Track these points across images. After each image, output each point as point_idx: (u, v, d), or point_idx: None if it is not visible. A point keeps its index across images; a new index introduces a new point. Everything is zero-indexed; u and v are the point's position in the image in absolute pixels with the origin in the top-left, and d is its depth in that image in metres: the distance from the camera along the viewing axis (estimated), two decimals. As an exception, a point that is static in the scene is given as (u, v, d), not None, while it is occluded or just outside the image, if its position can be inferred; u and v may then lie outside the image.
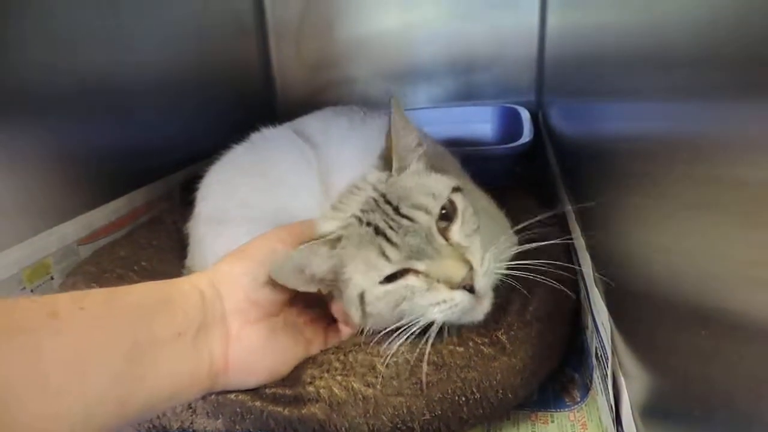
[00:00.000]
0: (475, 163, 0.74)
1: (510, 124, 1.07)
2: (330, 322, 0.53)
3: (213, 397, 0.45)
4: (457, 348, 0.47)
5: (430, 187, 0.49)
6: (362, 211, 0.47)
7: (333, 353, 0.49)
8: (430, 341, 0.45)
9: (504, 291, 0.51)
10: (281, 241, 0.48)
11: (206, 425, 0.45)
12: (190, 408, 0.45)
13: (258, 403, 0.44)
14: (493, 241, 0.49)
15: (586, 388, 0.53)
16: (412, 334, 0.45)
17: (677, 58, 0.30)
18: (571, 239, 0.61)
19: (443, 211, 0.46)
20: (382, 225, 0.45)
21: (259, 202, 0.68)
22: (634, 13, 0.40)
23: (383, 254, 0.44)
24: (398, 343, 0.45)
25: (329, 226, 0.49)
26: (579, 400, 0.53)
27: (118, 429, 0.35)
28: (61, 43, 0.71)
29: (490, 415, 0.47)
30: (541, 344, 0.50)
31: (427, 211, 0.46)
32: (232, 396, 0.45)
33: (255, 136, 0.76)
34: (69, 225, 0.70)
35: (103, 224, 0.75)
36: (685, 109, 0.29)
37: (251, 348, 0.44)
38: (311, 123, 0.77)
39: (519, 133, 0.96)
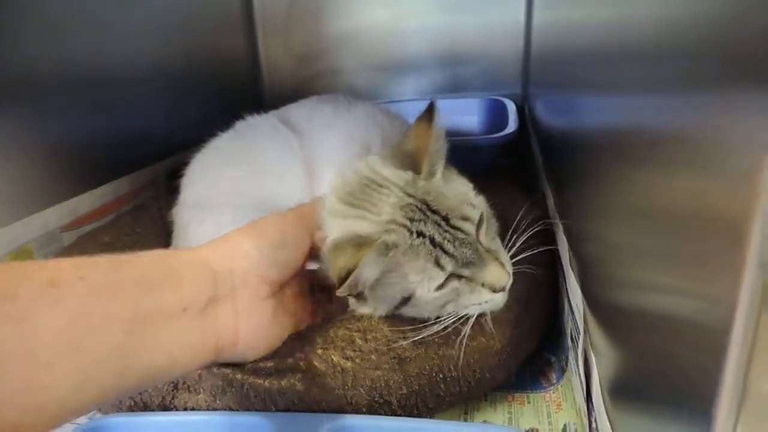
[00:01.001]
0: (460, 153, 0.74)
1: (496, 116, 1.07)
2: (313, 299, 0.54)
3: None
4: (436, 326, 0.48)
5: (466, 195, 0.50)
6: (409, 219, 0.47)
7: (314, 329, 0.50)
8: (468, 330, 0.47)
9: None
10: (292, 224, 0.49)
11: (187, 400, 0.46)
12: (172, 383, 0.46)
13: (239, 376, 0.45)
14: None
15: (562, 371, 0.54)
16: (446, 327, 0.48)
17: (656, 53, 0.31)
18: (551, 225, 0.62)
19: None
20: (438, 238, 0.46)
21: (244, 189, 0.69)
22: (614, 9, 0.41)
23: (438, 264, 0.46)
24: (431, 332, 0.47)
25: (360, 226, 0.48)
26: (555, 382, 0.54)
27: (114, 400, 0.34)
28: (47, 32, 0.70)
29: (467, 393, 0.48)
30: (519, 327, 0.51)
31: (472, 222, 0.48)
32: (215, 369, 0.45)
33: (240, 124, 0.76)
34: (52, 211, 0.70)
35: (86, 211, 0.75)
36: (662, 102, 0.30)
37: (259, 324, 0.44)
38: (296, 111, 0.77)
39: (505, 125, 0.97)
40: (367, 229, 0.47)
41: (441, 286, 0.46)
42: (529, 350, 0.54)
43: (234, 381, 0.45)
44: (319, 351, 0.47)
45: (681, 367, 0.23)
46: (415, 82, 1.24)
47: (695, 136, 0.24)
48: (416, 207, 0.47)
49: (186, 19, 1.04)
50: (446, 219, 0.47)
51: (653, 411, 0.27)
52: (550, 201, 0.67)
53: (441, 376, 0.46)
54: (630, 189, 0.34)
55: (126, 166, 0.85)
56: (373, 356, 0.46)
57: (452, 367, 0.47)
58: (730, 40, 0.21)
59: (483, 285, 0.47)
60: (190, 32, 1.06)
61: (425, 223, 0.46)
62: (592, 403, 0.41)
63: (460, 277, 0.47)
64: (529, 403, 0.52)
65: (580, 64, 0.55)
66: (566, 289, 0.52)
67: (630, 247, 0.33)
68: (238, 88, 1.25)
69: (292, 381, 0.45)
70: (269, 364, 0.46)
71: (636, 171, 0.33)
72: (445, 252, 0.46)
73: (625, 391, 0.34)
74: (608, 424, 0.35)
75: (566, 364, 0.54)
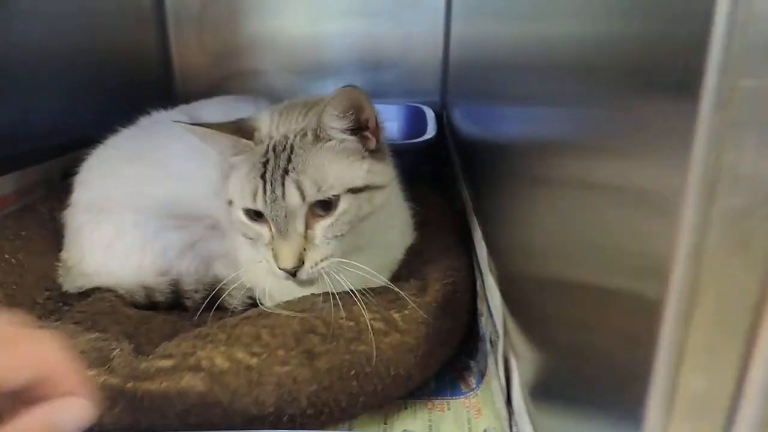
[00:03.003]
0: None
1: (416, 122, 1.08)
2: None
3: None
4: (348, 322, 0.47)
5: (327, 174, 0.47)
6: (272, 147, 0.47)
7: (218, 326, 0.47)
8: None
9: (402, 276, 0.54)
10: None
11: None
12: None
13: (130, 384, 0.41)
14: (371, 243, 0.51)
15: (481, 375, 0.54)
16: None
17: (558, 69, 0.32)
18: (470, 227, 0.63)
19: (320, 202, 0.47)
20: (268, 175, 0.46)
21: (148, 190, 0.63)
22: (525, 26, 0.43)
23: (254, 194, 0.47)
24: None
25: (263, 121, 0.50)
26: (474, 386, 0.53)
27: None
28: None
29: (383, 393, 0.46)
30: (437, 327, 0.50)
31: (302, 195, 0.46)
32: (100, 380, 0.41)
33: (144, 120, 0.71)
34: None
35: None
36: (565, 112, 0.31)
37: None
38: (209, 108, 0.73)
39: (424, 132, 0.98)
40: (260, 125, 0.52)
41: (251, 218, 0.50)
42: (448, 351, 0.54)
43: (125, 391, 0.41)
44: (222, 348, 0.44)
45: (609, 367, 0.23)
46: (335, 85, 1.21)
47: (603, 142, 0.24)
48: (281, 144, 0.49)
49: (90, 10, 0.96)
50: (285, 171, 0.48)
51: (580, 412, 0.27)
52: (468, 205, 0.67)
53: (353, 372, 0.44)
54: (546, 192, 0.34)
55: (10, 163, 0.76)
56: (280, 351, 0.44)
57: (365, 364, 0.45)
58: (627, 57, 0.21)
59: (277, 256, 0.48)
60: (94, 22, 0.97)
61: (273, 158, 0.49)
62: (512, 407, 0.41)
63: (270, 229, 0.49)
64: (449, 409, 0.51)
65: (493, 76, 0.57)
66: (484, 292, 0.52)
67: (551, 248, 0.33)
68: (147, 84, 1.18)
69: (192, 381, 0.41)
70: (167, 364, 0.42)
71: (549, 174, 0.33)
72: (264, 191, 0.48)
73: (549, 393, 0.33)
74: (530, 426, 0.35)
75: (485, 368, 0.54)
